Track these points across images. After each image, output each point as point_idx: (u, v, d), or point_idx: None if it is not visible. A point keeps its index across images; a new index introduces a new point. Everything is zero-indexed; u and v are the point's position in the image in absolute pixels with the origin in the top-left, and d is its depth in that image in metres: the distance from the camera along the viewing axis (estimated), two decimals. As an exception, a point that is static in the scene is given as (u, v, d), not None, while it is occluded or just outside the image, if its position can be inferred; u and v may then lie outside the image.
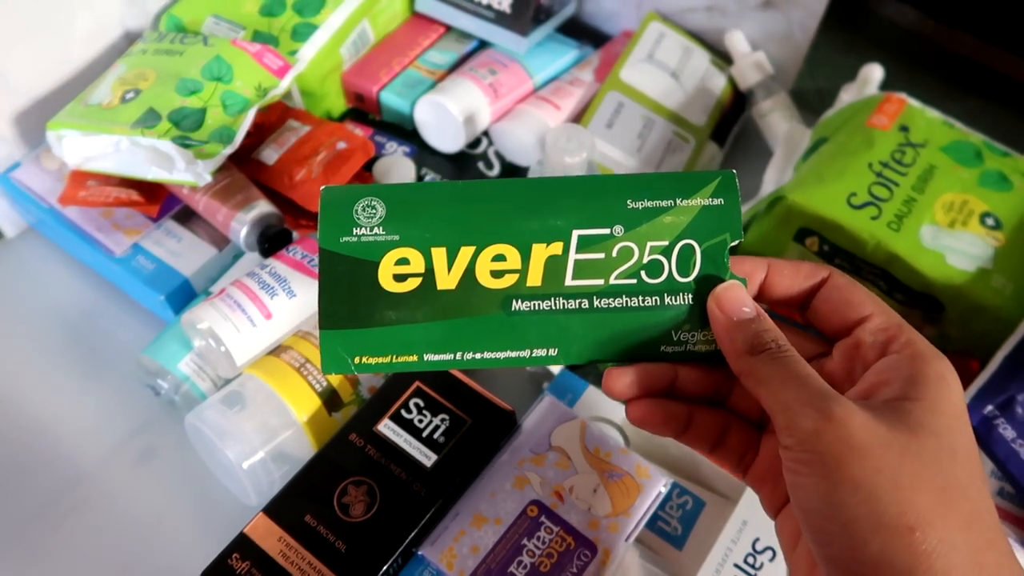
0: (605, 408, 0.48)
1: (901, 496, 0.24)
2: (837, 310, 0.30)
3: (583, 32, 0.69)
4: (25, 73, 0.57)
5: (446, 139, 0.59)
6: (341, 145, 0.55)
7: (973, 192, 0.49)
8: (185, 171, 0.51)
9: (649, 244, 0.31)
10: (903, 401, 0.26)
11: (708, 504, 0.44)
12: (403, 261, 0.31)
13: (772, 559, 0.42)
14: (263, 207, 0.52)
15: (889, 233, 0.47)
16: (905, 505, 0.24)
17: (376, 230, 0.31)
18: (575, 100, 0.61)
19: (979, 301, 0.46)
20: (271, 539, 0.39)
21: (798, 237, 0.51)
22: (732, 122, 0.65)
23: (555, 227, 0.31)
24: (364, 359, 0.31)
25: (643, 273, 0.31)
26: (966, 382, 0.44)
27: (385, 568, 0.39)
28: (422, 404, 0.44)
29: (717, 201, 0.31)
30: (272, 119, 0.57)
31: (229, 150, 0.51)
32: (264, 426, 0.44)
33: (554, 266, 0.31)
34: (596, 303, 0.31)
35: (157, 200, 0.55)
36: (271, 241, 0.51)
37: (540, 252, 0.31)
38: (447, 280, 0.31)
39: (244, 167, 0.55)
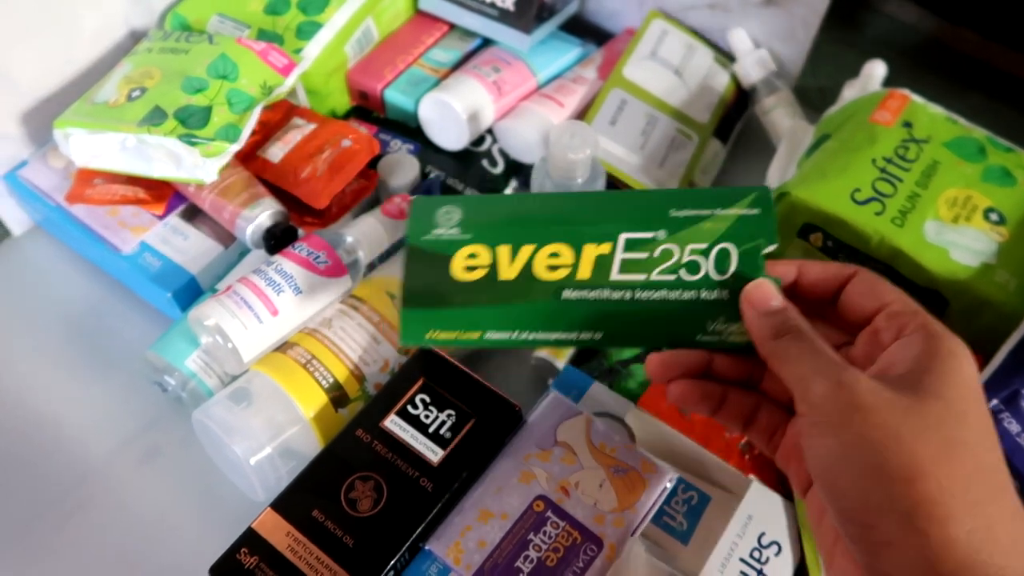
0: (610, 404, 0.48)
1: (903, 448, 0.26)
2: (861, 301, 0.32)
3: (586, 30, 0.69)
4: (31, 72, 0.57)
5: (450, 137, 0.60)
6: (346, 143, 0.55)
7: (977, 187, 0.49)
8: (191, 169, 0.51)
9: (689, 246, 0.35)
10: (914, 373, 0.28)
11: (713, 499, 0.44)
12: (472, 256, 0.37)
13: (778, 553, 0.43)
14: (269, 204, 0.52)
15: (893, 229, 0.47)
16: (906, 457, 0.26)
17: (452, 230, 0.37)
18: (578, 98, 0.61)
19: (983, 296, 0.46)
20: (279, 534, 0.40)
21: (802, 233, 0.51)
22: (735, 119, 0.65)
23: (605, 230, 0.36)
24: (435, 334, 0.36)
25: (682, 271, 0.35)
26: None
27: (392, 563, 0.39)
28: (428, 400, 0.44)
29: (754, 211, 0.36)
30: (277, 117, 0.57)
31: (235, 148, 0.51)
32: (271, 422, 0.45)
33: (602, 263, 0.36)
34: (638, 295, 0.35)
35: (163, 198, 0.55)
36: (277, 238, 0.51)
37: (591, 251, 0.36)
38: (508, 271, 0.36)
39: (249, 165, 0.55)
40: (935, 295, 0.48)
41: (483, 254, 0.37)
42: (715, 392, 0.34)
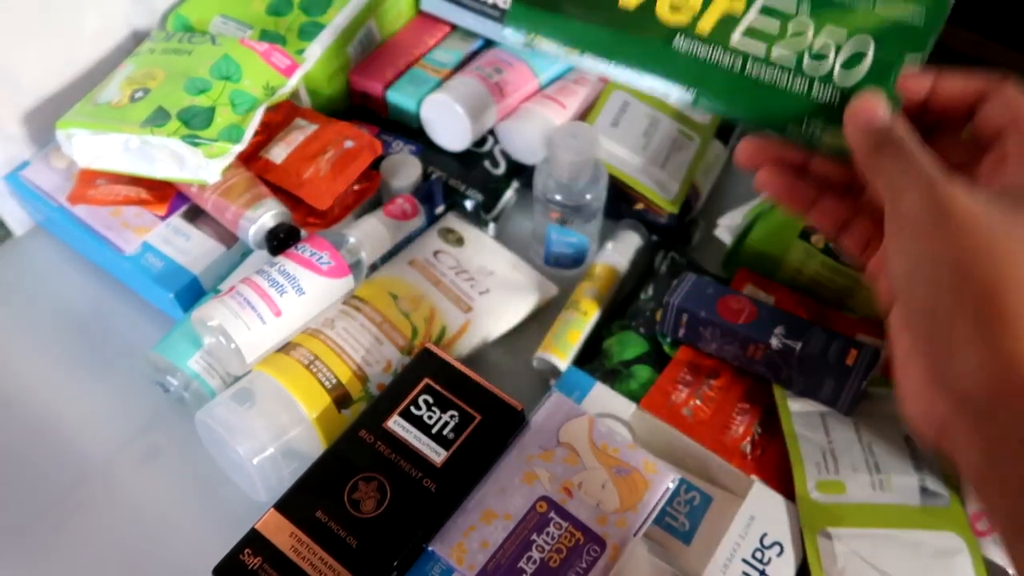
0: (612, 405, 0.48)
1: (993, 259, 0.25)
2: (997, 117, 0.29)
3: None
4: (33, 72, 0.57)
5: (452, 137, 0.60)
6: (348, 144, 0.55)
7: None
8: (194, 169, 0.51)
9: (826, 29, 0.33)
10: (1015, 182, 0.27)
11: (716, 500, 0.45)
12: None
13: (780, 554, 0.43)
14: (272, 205, 0.52)
15: (895, 230, 0.47)
16: (995, 268, 0.25)
17: None
18: (580, 99, 0.61)
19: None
20: (283, 535, 0.40)
21: (804, 234, 0.51)
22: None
23: None
24: (537, 38, 0.36)
25: (806, 57, 0.33)
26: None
27: (396, 563, 0.39)
28: (431, 401, 0.44)
29: (917, 18, 0.32)
30: (279, 118, 0.58)
31: (238, 148, 0.51)
32: (274, 423, 0.45)
33: (727, 22, 0.34)
34: (749, 69, 0.34)
35: (166, 198, 0.55)
36: (280, 239, 0.51)
37: (720, 3, 0.34)
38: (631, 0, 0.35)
39: (252, 165, 0.55)
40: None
41: None
42: (806, 191, 0.34)
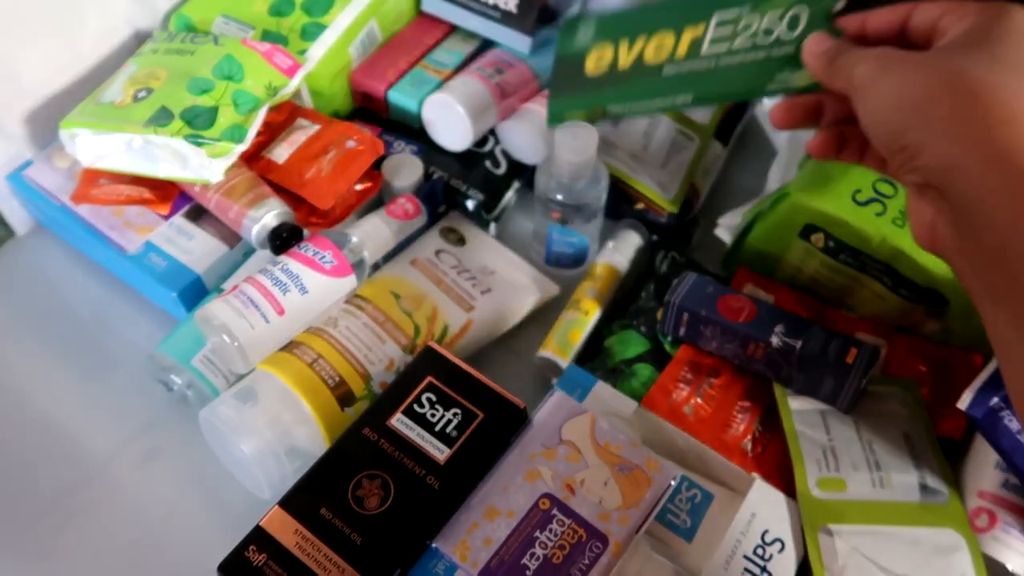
0: (614, 403, 0.48)
1: (938, 78, 0.33)
2: (924, 20, 0.36)
3: (588, 32, 0.69)
4: (35, 73, 0.57)
5: (453, 138, 0.60)
6: (350, 144, 0.55)
7: (976, 189, 0.50)
8: (198, 169, 0.51)
9: (768, 15, 0.43)
10: (953, 37, 0.34)
11: (717, 497, 0.45)
12: (600, 57, 0.47)
13: (781, 551, 0.43)
14: (275, 205, 0.52)
15: (894, 229, 0.48)
16: (943, 75, 0.33)
17: (587, 39, 0.48)
18: (581, 99, 0.62)
19: (983, 296, 0.47)
20: (287, 532, 0.40)
21: (803, 234, 0.51)
22: (736, 120, 0.65)
23: (703, 14, 0.45)
24: (571, 113, 0.48)
25: (759, 37, 0.43)
26: (969, 376, 0.45)
27: (400, 560, 0.40)
28: (434, 399, 0.44)
29: None
30: (281, 118, 0.58)
31: (241, 148, 0.51)
32: (278, 421, 0.45)
33: (695, 44, 0.45)
34: (720, 61, 0.44)
35: (168, 198, 0.55)
36: (283, 238, 0.51)
37: (688, 34, 0.45)
38: (625, 61, 0.47)
39: (254, 165, 0.55)
40: (935, 295, 0.49)
41: (607, 53, 0.47)
42: (837, 135, 0.41)
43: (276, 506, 0.41)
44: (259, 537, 0.40)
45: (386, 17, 0.64)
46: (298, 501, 0.41)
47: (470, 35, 0.66)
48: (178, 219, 0.56)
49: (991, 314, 0.33)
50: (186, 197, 0.56)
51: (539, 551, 0.40)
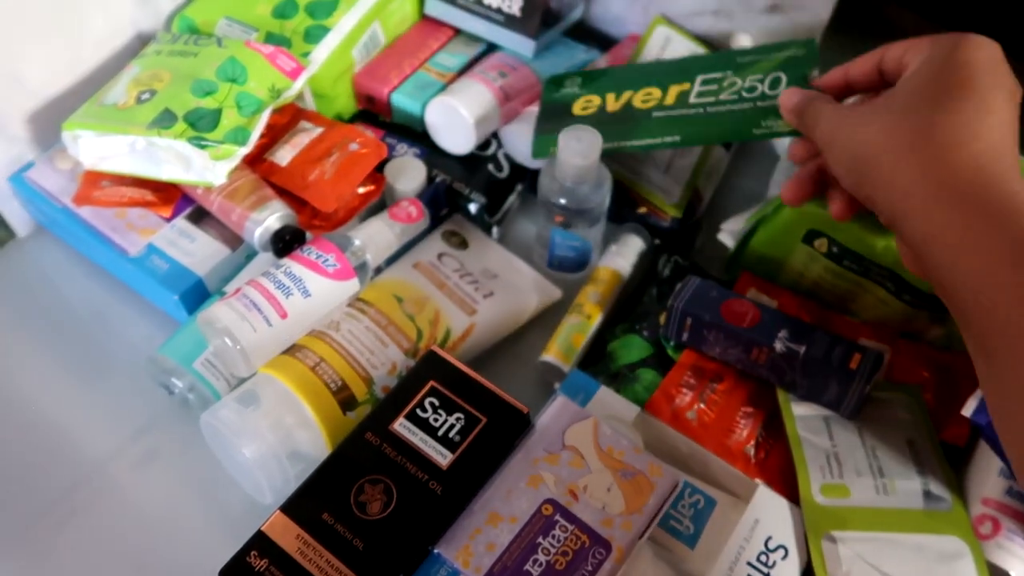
0: (617, 408, 0.48)
1: (867, 138, 0.38)
2: (894, 64, 0.41)
3: (591, 36, 0.69)
4: (38, 74, 0.57)
5: (456, 141, 0.60)
6: (354, 146, 0.55)
7: (980, 195, 0.50)
8: (200, 171, 0.51)
9: (749, 77, 0.50)
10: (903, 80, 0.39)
11: (720, 503, 0.45)
12: (587, 103, 0.54)
13: (784, 557, 0.43)
14: (277, 207, 0.52)
15: (898, 235, 0.48)
16: (866, 147, 0.38)
17: (574, 89, 0.56)
18: (584, 103, 0.62)
19: (987, 302, 0.47)
20: (289, 537, 0.40)
21: (807, 239, 0.51)
22: (739, 125, 0.65)
23: (687, 75, 0.52)
24: (555, 149, 0.51)
25: (743, 92, 0.50)
26: (973, 382, 0.45)
27: (402, 565, 0.39)
28: (437, 403, 0.44)
29: (801, 52, 0.51)
30: (284, 121, 0.58)
31: (244, 151, 0.51)
32: (280, 425, 0.45)
33: (683, 94, 0.51)
34: (709, 110, 0.50)
35: (171, 200, 0.55)
36: (285, 241, 0.51)
37: (674, 88, 0.52)
38: (613, 107, 0.53)
39: (257, 168, 0.55)
40: (938, 301, 0.48)
41: (595, 100, 0.53)
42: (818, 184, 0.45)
43: (278, 511, 0.41)
44: (260, 542, 0.40)
45: (389, 20, 0.64)
46: (300, 506, 0.41)
47: (473, 38, 0.66)
48: (180, 221, 0.56)
49: (964, 337, 0.36)
50: (188, 199, 0.56)
51: (542, 557, 0.40)
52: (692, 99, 0.50)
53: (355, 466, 0.42)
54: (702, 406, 0.49)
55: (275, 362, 0.47)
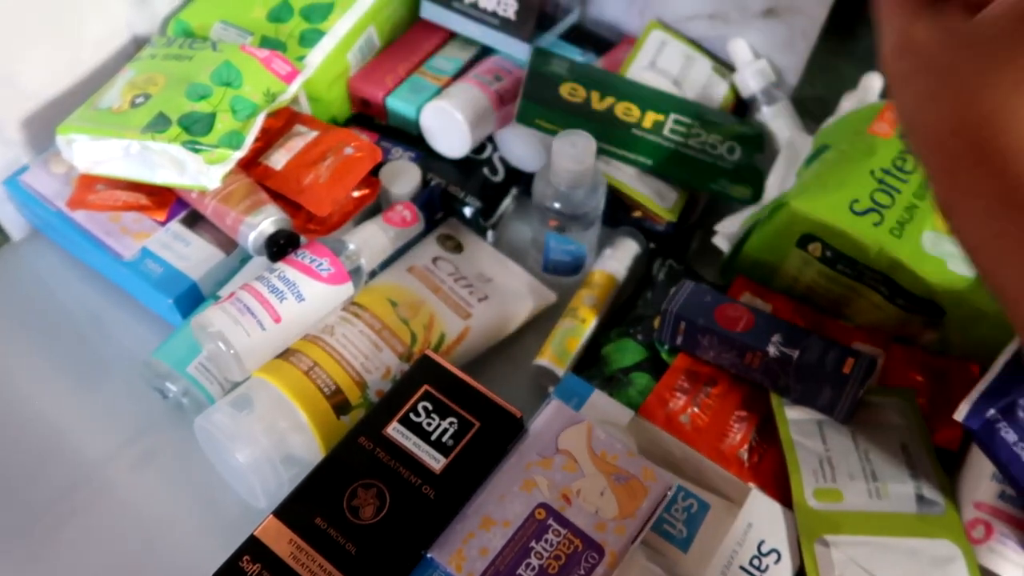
0: (611, 412, 0.48)
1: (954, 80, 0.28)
2: None
3: (586, 39, 0.69)
4: (34, 78, 0.57)
5: (452, 144, 0.60)
6: (348, 150, 0.55)
7: (973, 199, 0.50)
8: (195, 175, 0.51)
9: (712, 136, 0.58)
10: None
11: (713, 507, 0.45)
12: (573, 90, 0.57)
13: (777, 561, 0.43)
14: (272, 211, 0.52)
15: (891, 239, 0.48)
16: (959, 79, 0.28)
17: (562, 71, 0.58)
18: (579, 106, 0.62)
19: (980, 307, 0.47)
20: (282, 541, 0.40)
21: (801, 243, 0.51)
22: (734, 129, 0.66)
23: (662, 108, 0.58)
24: (542, 123, 0.55)
25: (707, 147, 0.57)
26: (967, 386, 0.45)
27: (395, 570, 0.39)
28: (431, 407, 0.44)
29: (752, 133, 0.60)
30: (279, 124, 0.58)
31: (239, 154, 0.51)
32: (273, 429, 0.45)
33: (658, 124, 0.57)
34: (679, 148, 0.56)
35: (165, 204, 0.55)
36: (280, 245, 0.51)
37: (650, 115, 0.57)
38: (599, 106, 0.56)
39: (251, 171, 0.55)
40: (933, 305, 0.49)
41: (580, 91, 0.56)
42: None
43: (271, 515, 0.41)
44: (253, 547, 0.40)
45: (385, 23, 0.64)
46: (293, 510, 0.41)
47: (469, 42, 0.66)
48: (175, 225, 0.56)
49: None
50: (183, 203, 0.56)
51: (535, 561, 0.40)
52: (666, 131, 0.56)
53: (348, 470, 0.42)
54: (696, 410, 0.49)
55: (269, 366, 0.47)
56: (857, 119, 0.55)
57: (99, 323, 0.57)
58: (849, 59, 0.63)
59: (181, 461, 0.51)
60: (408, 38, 0.66)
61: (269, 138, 0.57)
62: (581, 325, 0.53)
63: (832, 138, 0.55)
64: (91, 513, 0.49)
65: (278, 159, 0.55)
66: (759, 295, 0.54)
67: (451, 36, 0.67)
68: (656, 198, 0.58)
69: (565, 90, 0.56)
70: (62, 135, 0.53)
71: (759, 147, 0.59)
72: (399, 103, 0.62)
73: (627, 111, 0.56)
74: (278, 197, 0.54)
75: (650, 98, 0.58)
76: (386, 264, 0.55)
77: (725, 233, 0.55)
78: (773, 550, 0.43)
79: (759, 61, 0.64)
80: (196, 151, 0.50)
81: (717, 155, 0.56)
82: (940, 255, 0.48)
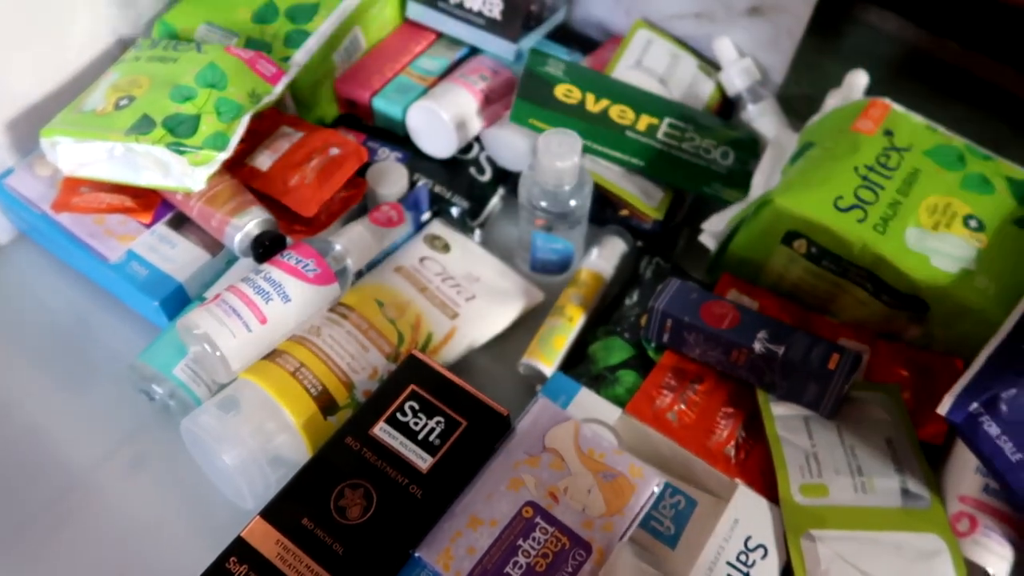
0: (598, 410, 0.48)
1: None
2: None
3: (573, 39, 0.70)
4: (18, 80, 0.57)
5: (438, 145, 0.60)
6: (334, 151, 0.55)
7: (956, 195, 0.50)
8: (180, 177, 0.51)
9: (706, 140, 0.58)
10: None
11: (700, 503, 0.45)
12: (568, 92, 0.57)
13: (764, 556, 0.43)
14: (257, 213, 0.52)
15: (875, 235, 0.48)
16: None
17: (558, 72, 0.59)
18: (566, 106, 0.62)
19: (963, 302, 0.47)
20: (268, 542, 0.40)
21: (786, 240, 0.51)
22: (720, 127, 0.66)
23: (656, 112, 0.58)
24: (536, 122, 0.56)
25: (700, 151, 0.58)
26: (951, 381, 0.45)
27: (382, 570, 0.39)
28: (417, 407, 0.44)
29: (746, 138, 0.61)
30: (265, 125, 0.58)
31: (223, 156, 0.51)
32: (260, 430, 0.45)
33: (652, 127, 0.57)
34: (672, 151, 0.57)
35: (150, 206, 0.55)
36: (266, 247, 0.51)
37: (645, 118, 0.58)
38: (593, 108, 0.57)
39: (237, 173, 0.55)
40: (916, 301, 0.49)
41: (575, 92, 0.57)
42: None
43: (257, 516, 0.41)
44: (240, 548, 0.40)
45: (370, 24, 0.64)
46: (280, 511, 0.41)
47: (455, 42, 0.66)
48: (160, 227, 0.56)
49: None
50: (168, 205, 0.56)
51: (522, 559, 0.40)
52: (660, 135, 0.57)
53: (335, 471, 0.42)
54: (683, 407, 0.49)
55: (255, 368, 0.47)
56: (841, 116, 0.55)
57: (85, 326, 0.57)
58: (834, 57, 0.63)
59: (168, 463, 0.51)
60: (394, 38, 0.66)
61: (255, 139, 0.57)
62: (568, 323, 0.54)
63: (817, 136, 0.55)
64: (78, 516, 0.49)
65: (264, 160, 0.55)
66: (745, 292, 0.54)
67: (437, 36, 0.67)
68: (642, 196, 0.58)
69: (560, 91, 0.57)
70: (46, 138, 0.52)
71: (754, 153, 0.59)
72: (385, 104, 0.62)
73: (622, 114, 0.57)
74: (264, 198, 0.54)
75: (645, 102, 0.59)
76: (373, 265, 0.55)
77: (711, 231, 0.55)
78: (760, 545, 0.44)
79: (744, 59, 0.64)
80: (181, 153, 0.50)
81: (711, 159, 0.57)
82: (923, 251, 0.48)
